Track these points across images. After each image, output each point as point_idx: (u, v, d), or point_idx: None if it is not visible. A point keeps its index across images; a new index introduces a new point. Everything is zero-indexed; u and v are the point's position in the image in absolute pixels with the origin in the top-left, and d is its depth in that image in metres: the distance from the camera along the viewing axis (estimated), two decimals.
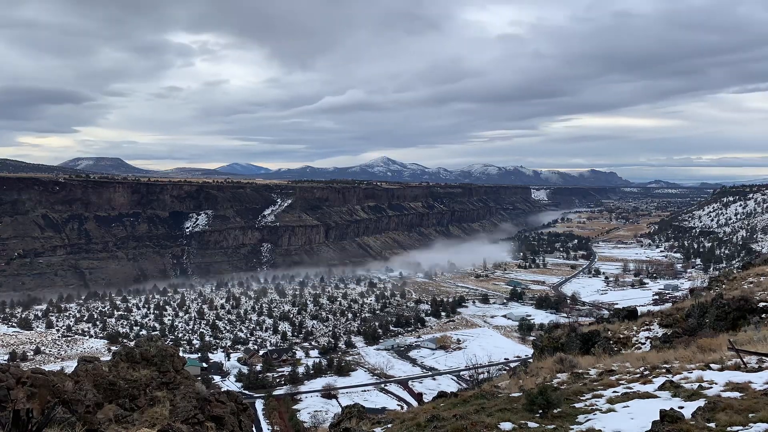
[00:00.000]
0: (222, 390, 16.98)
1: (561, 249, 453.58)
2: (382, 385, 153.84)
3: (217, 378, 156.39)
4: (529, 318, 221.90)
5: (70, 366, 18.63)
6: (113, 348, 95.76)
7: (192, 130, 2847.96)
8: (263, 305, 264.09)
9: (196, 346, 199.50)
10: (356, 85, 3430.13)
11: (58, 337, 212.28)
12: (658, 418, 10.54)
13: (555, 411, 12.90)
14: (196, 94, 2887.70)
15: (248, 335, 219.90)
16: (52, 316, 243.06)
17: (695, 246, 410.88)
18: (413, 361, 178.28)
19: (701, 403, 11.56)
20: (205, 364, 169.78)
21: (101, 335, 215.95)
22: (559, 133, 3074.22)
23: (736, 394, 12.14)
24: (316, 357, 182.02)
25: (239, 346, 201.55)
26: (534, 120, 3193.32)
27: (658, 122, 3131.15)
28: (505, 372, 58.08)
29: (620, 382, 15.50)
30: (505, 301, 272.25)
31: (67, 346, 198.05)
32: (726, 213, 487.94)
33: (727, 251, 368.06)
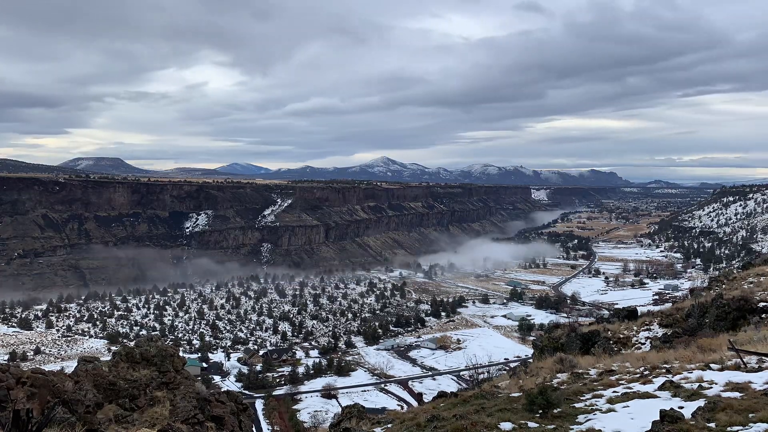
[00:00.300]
0: (222, 390, 16.99)
1: (561, 249, 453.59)
2: (382, 385, 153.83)
3: (217, 378, 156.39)
4: (529, 318, 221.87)
5: (70, 366, 18.64)
6: (113, 348, 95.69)
7: (180, 131, 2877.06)
8: (263, 305, 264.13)
9: (196, 346, 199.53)
10: (319, 91, 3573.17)
11: (58, 337, 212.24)
12: (658, 418, 10.54)
13: (555, 411, 12.91)
14: (179, 97, 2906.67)
15: (248, 335, 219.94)
16: (52, 316, 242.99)
17: (695, 246, 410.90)
18: (413, 361, 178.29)
19: (701, 403, 11.56)
20: (205, 364, 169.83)
21: (101, 335, 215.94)
22: (541, 134, 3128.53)
23: (736, 394, 12.14)
24: (316, 357, 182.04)
25: (239, 346, 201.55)
26: (511, 121, 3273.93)
27: (633, 124, 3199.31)
28: (505, 372, 58.08)
29: (620, 382, 15.51)
30: (505, 301, 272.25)
31: (67, 346, 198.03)
32: (726, 213, 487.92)
33: (727, 251, 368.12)
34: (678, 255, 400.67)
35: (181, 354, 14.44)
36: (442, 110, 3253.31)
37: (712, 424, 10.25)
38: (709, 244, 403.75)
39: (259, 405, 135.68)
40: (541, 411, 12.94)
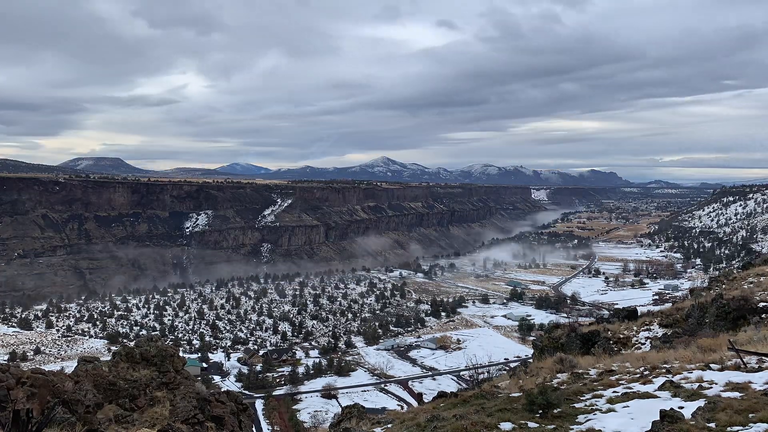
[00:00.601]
0: (222, 390, 16.99)
1: (561, 249, 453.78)
2: (382, 385, 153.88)
3: (217, 378, 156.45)
4: (529, 318, 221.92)
5: (70, 366, 18.65)
6: (113, 348, 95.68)
7: (170, 132, 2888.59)
8: (263, 305, 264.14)
9: (196, 346, 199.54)
10: (286, 96, 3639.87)
11: (58, 337, 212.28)
12: (658, 418, 10.54)
13: (555, 411, 12.91)
14: (163, 100, 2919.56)
15: (248, 335, 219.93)
16: (52, 316, 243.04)
17: (695, 246, 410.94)
18: (413, 361, 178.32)
19: (701, 403, 11.56)
20: (205, 364, 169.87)
21: (101, 335, 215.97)
22: (522, 135, 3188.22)
23: (736, 394, 12.14)
24: (316, 357, 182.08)
25: (239, 346, 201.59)
26: (489, 123, 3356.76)
27: (609, 125, 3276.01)
28: (505, 372, 58.06)
29: (620, 382, 15.50)
30: (505, 301, 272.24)
31: (67, 346, 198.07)
32: (726, 213, 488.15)
33: (727, 251, 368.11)
34: (678, 255, 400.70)
35: (181, 354, 14.45)
36: (400, 114, 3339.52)
37: (712, 424, 10.25)
38: (709, 244, 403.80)
39: (259, 405, 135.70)
40: (541, 411, 12.94)
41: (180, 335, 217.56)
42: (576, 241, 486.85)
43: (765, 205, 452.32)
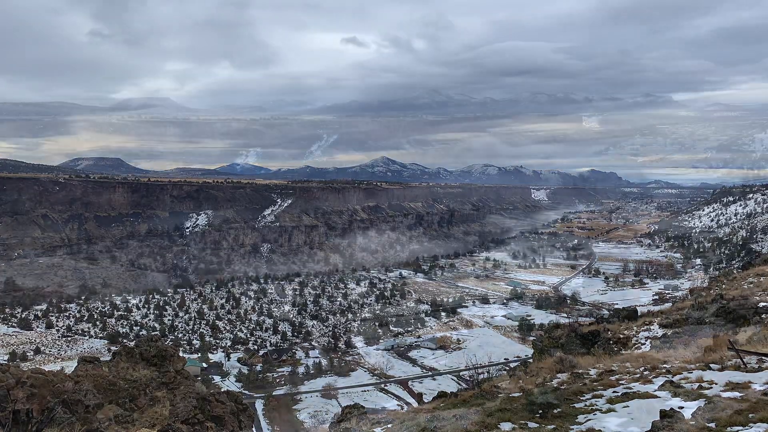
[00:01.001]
0: (222, 390, 16.98)
1: (561, 249, 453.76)
2: (382, 385, 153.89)
3: (217, 378, 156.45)
4: (529, 318, 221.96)
5: (70, 366, 18.62)
6: (113, 348, 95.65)
7: (162, 133, 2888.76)
8: (263, 305, 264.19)
9: (196, 346, 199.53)
10: (263, 99, 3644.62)
11: (58, 337, 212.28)
12: (658, 418, 10.54)
13: (555, 411, 12.91)
14: (145, 103, 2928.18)
15: (248, 335, 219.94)
16: (52, 316, 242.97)
17: (695, 246, 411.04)
18: (413, 361, 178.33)
19: (701, 403, 11.56)
20: (205, 364, 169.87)
21: (101, 335, 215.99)
22: (502, 136, 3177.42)
23: (736, 394, 12.14)
24: (316, 357, 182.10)
25: (239, 346, 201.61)
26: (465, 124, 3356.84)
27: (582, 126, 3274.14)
28: (505, 372, 58.03)
29: (620, 382, 15.50)
30: (505, 301, 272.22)
31: (67, 346, 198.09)
32: (726, 213, 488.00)
33: (727, 251, 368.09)
34: (678, 255, 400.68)
35: (181, 354, 14.46)
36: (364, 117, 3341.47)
37: (712, 424, 10.25)
38: (709, 244, 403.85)
39: (259, 405, 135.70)
40: (541, 411, 12.94)
41: (180, 335, 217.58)
42: (576, 241, 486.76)
43: (765, 205, 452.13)
